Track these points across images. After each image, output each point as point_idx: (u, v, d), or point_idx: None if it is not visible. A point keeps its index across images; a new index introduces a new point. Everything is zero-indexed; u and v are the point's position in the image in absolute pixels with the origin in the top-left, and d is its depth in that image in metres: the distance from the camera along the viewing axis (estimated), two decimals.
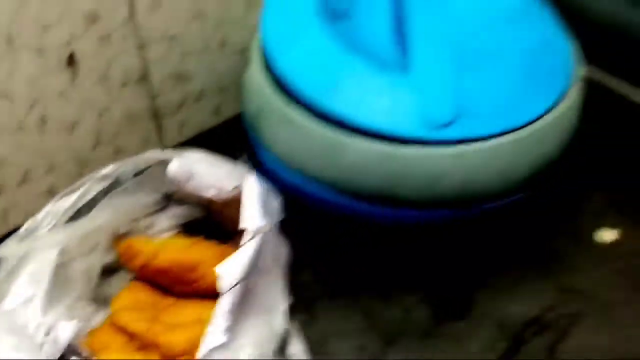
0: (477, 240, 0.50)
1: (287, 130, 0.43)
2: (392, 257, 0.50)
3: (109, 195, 0.46)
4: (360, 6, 0.47)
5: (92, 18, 0.46)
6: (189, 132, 0.57)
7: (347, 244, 0.50)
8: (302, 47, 0.43)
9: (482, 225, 0.47)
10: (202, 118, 0.57)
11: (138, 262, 0.45)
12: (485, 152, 0.41)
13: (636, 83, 0.55)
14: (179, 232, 0.49)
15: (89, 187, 0.45)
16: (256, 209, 0.40)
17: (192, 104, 0.56)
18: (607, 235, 0.51)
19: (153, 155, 0.44)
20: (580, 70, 0.46)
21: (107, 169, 0.45)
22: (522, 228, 0.51)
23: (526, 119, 0.42)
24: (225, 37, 0.54)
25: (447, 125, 0.40)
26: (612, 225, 0.51)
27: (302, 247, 0.46)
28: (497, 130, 0.41)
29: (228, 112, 0.59)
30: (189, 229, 0.49)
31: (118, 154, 0.53)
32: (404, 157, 0.41)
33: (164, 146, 0.56)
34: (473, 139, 0.41)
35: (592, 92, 0.49)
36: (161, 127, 0.55)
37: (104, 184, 0.46)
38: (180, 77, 0.54)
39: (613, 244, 0.50)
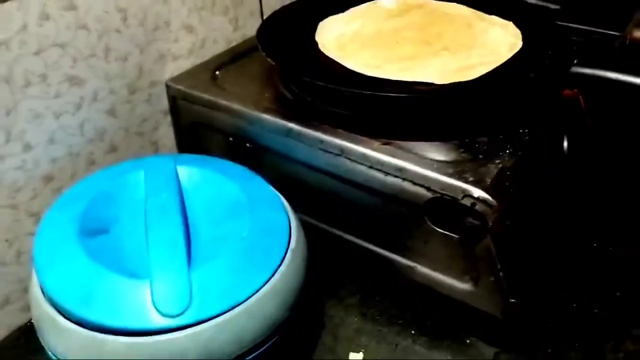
0: None
1: (57, 334, 0.53)
2: None
3: None
4: (121, 222, 0.59)
5: None
6: (3, 332, 0.65)
7: None
8: (60, 264, 0.54)
9: None
10: (11, 319, 0.66)
11: None
12: (217, 327, 0.52)
13: None
14: None
15: None
16: None
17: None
18: (354, 356, 0.62)
19: None
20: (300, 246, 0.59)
21: None
22: None
23: (249, 292, 0.53)
24: (20, 249, 0.64)
25: (182, 313, 0.51)
26: (359, 348, 0.63)
27: None
28: (225, 307, 0.52)
29: None
30: None
31: None
32: (151, 346, 0.51)
33: None
34: (205, 319, 0.52)
35: None
36: None
37: None
38: None
39: None
